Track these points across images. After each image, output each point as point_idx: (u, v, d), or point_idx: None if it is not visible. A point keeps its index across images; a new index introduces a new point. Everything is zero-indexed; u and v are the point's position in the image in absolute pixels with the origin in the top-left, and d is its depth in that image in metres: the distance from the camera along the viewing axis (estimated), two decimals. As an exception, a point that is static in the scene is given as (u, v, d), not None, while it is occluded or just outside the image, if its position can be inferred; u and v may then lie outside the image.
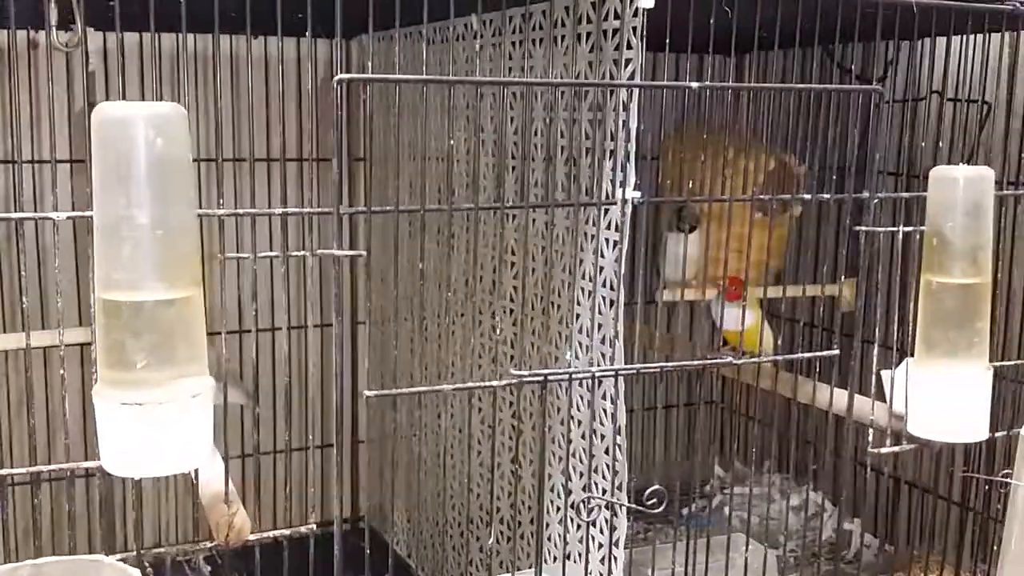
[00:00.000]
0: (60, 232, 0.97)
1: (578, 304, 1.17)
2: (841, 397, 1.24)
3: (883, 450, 1.18)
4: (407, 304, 1.54)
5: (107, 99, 1.23)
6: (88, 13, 0.99)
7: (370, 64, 1.09)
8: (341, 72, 1.28)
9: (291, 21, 0.99)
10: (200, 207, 0.94)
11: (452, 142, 1.29)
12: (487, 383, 1.03)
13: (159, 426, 0.80)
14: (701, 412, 1.95)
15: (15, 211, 1.01)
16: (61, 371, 0.97)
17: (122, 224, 0.77)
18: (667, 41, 1.09)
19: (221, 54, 1.48)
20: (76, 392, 1.03)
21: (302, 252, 0.93)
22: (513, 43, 1.28)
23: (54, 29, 1.05)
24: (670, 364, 1.09)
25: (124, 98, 1.51)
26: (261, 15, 1.02)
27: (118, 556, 0.96)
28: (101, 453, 0.80)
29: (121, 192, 0.77)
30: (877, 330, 1.22)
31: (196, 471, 1.00)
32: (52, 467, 0.94)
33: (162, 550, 0.99)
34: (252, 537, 1.01)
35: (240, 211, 0.93)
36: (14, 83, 1.40)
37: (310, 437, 1.47)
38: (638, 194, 1.04)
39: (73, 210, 1.02)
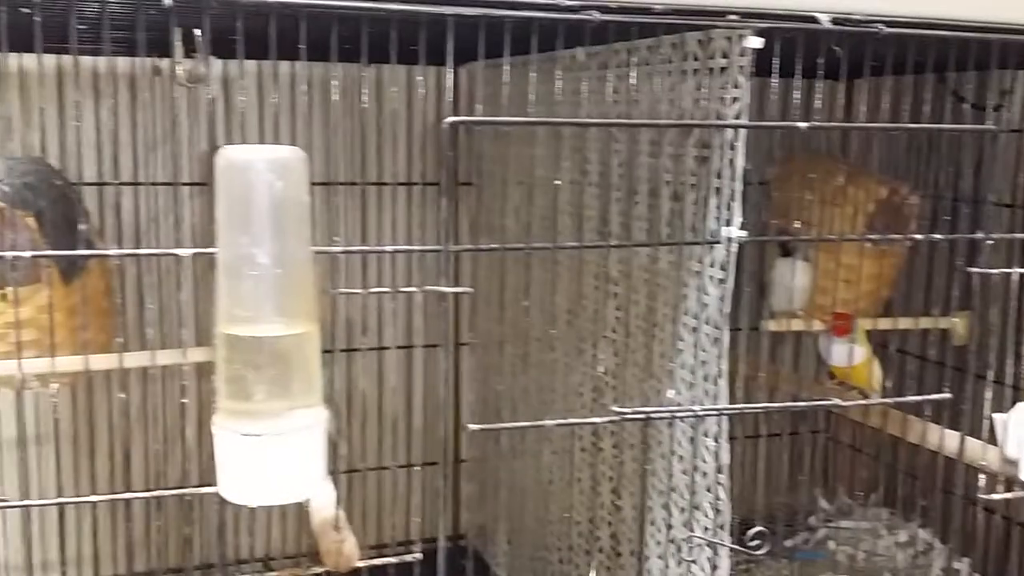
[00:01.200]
0: (187, 262, 1.01)
1: (681, 340, 1.16)
2: (952, 439, 1.21)
3: (995, 496, 1.15)
4: (511, 332, 1.55)
5: (228, 127, 1.28)
6: (210, 42, 1.02)
7: (480, 108, 1.11)
8: (453, 109, 1.30)
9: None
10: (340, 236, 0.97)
11: (558, 182, 1.30)
12: (588, 420, 1.03)
13: (276, 456, 0.83)
14: (805, 444, 1.91)
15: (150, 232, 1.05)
16: (183, 400, 1.02)
17: (243, 263, 0.81)
18: (775, 71, 1.09)
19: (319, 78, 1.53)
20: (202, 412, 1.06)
21: (411, 288, 0.95)
22: (619, 76, 1.29)
23: (179, 66, 1.09)
24: (775, 405, 1.08)
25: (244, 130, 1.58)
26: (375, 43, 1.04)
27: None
28: (219, 481, 0.84)
29: (243, 232, 0.81)
30: (991, 370, 1.18)
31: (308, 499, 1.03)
32: (169, 492, 0.98)
33: (273, 574, 1.02)
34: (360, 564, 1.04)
35: (353, 248, 0.96)
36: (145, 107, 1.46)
37: (390, 460, 1.49)
38: (744, 233, 1.03)
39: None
